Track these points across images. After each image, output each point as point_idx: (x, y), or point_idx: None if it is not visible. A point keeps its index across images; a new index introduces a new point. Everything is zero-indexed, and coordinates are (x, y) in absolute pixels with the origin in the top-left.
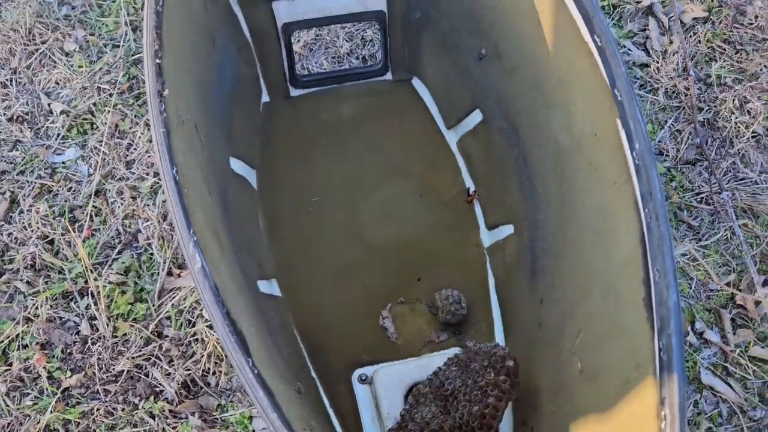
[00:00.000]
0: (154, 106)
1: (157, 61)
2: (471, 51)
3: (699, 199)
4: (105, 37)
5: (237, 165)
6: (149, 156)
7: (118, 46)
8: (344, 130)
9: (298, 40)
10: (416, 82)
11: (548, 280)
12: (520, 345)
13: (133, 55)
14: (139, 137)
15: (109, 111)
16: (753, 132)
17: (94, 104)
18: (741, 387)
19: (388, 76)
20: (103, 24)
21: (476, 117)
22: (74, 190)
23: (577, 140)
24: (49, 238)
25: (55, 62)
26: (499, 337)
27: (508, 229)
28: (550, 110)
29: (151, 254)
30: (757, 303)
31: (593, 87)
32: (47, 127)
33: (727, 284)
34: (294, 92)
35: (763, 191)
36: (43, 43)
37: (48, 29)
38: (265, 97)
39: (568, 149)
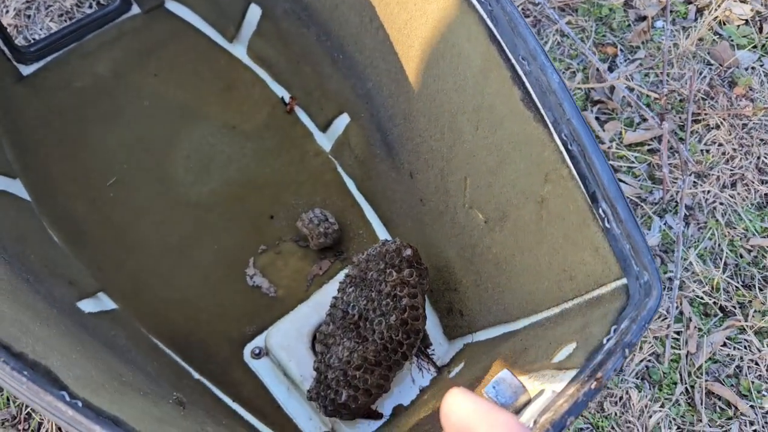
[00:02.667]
0: None
1: None
2: None
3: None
4: None
5: None
6: None
7: None
8: (111, 91)
9: (6, 11)
10: (171, 5)
11: (409, 147)
12: (411, 232)
13: None
14: None
15: None
16: None
17: None
18: (631, 177)
19: (135, 9)
20: None
21: (255, 12)
22: None
23: None
24: None
25: None
26: (384, 236)
27: (343, 120)
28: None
29: None
30: (612, 89)
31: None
32: None
33: (578, 87)
34: (26, 70)
35: None
36: None
37: None
38: None
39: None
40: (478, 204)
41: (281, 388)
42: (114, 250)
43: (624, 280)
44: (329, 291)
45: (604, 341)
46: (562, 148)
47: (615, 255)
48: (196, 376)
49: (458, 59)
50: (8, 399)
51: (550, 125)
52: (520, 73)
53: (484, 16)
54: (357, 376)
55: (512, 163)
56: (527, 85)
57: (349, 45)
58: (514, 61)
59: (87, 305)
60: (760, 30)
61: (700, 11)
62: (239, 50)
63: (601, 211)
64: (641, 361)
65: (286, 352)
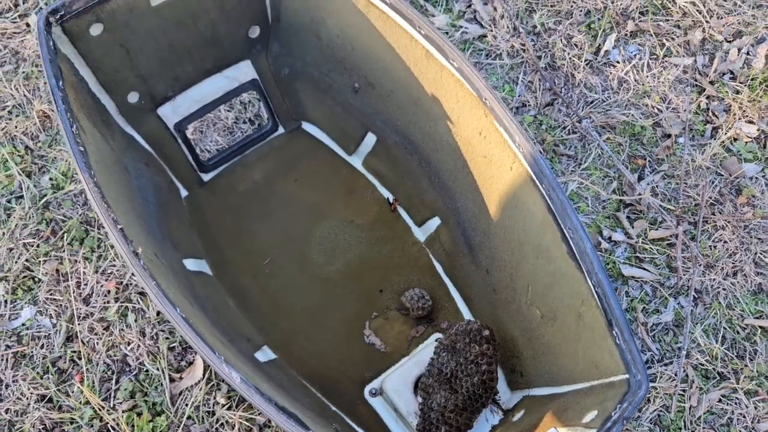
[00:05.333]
0: (134, 264)
1: (112, 215)
2: (345, 87)
3: (567, 132)
4: (5, 192)
5: (189, 263)
6: (101, 285)
7: (22, 197)
8: (263, 193)
9: (187, 128)
10: (307, 126)
11: (486, 252)
12: (485, 311)
13: (40, 200)
14: (83, 273)
15: (43, 261)
16: (585, 60)
17: (27, 260)
18: (653, 266)
19: (281, 130)
20: None
21: (371, 139)
22: (47, 345)
23: (467, 140)
24: (47, 398)
25: None
26: (465, 311)
27: (435, 222)
28: (434, 121)
29: (147, 371)
30: (640, 196)
31: (466, 98)
32: None
33: (614, 191)
34: (206, 177)
35: (610, 106)
36: None
37: None
38: (183, 192)
39: (461, 148)
40: (537, 304)
41: (391, 420)
42: (270, 313)
43: (627, 376)
44: (426, 352)
45: (613, 414)
46: (592, 289)
47: (622, 359)
48: (333, 408)
49: (526, 212)
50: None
51: (585, 273)
52: (567, 236)
53: (545, 195)
54: (452, 417)
55: (561, 286)
56: (571, 245)
57: (443, 174)
58: (563, 227)
59: (260, 356)
60: (764, 146)
61: (715, 129)
62: (356, 161)
63: (614, 332)
64: (654, 410)
65: (396, 393)
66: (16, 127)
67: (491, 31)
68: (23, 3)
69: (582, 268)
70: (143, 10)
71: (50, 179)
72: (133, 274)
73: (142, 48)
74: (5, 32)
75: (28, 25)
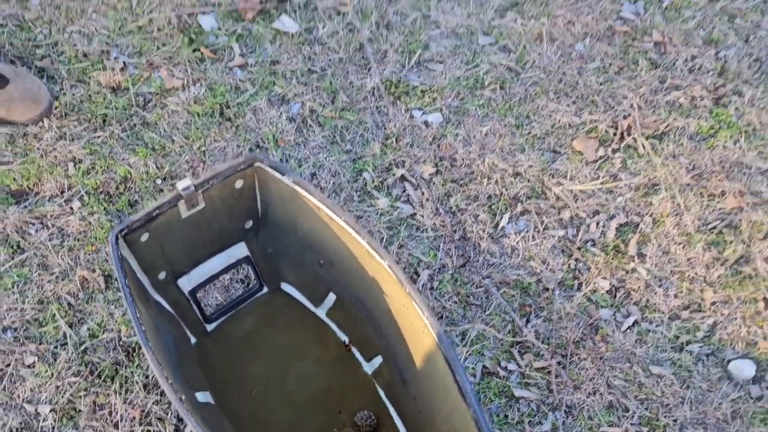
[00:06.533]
0: (179, 407)
1: (164, 374)
2: (313, 262)
3: (475, 287)
4: (52, 341)
5: (200, 396)
6: (128, 413)
7: (65, 344)
8: (253, 339)
9: (198, 292)
10: (285, 286)
11: (414, 385)
12: (416, 427)
13: (80, 346)
14: (114, 404)
15: (84, 395)
16: (487, 233)
17: (71, 395)
18: (536, 389)
19: (265, 290)
20: (44, 332)
21: (332, 297)
22: None
23: (397, 309)
24: None
25: (24, 377)
26: (401, 427)
27: (379, 359)
28: (375, 292)
29: None
30: (526, 336)
31: (393, 283)
32: (41, 426)
33: (508, 332)
34: (210, 327)
35: (506, 267)
36: (7, 366)
37: (5, 354)
38: (193, 339)
39: (393, 312)
40: (446, 424)
41: None
42: (257, 430)
43: None
44: None
45: None
46: (472, 416)
47: None
48: None
49: (434, 363)
50: None
51: (468, 405)
52: (458, 380)
53: (444, 353)
54: None
55: (456, 413)
56: (460, 385)
57: (384, 328)
58: (455, 374)
59: None
60: (614, 296)
61: (580, 284)
62: (321, 313)
63: None
64: None
65: None
66: (61, 288)
67: (420, 210)
68: (68, 190)
69: (466, 402)
70: (176, 221)
71: (88, 329)
72: (154, 402)
73: (172, 244)
74: (54, 213)
75: (71, 208)
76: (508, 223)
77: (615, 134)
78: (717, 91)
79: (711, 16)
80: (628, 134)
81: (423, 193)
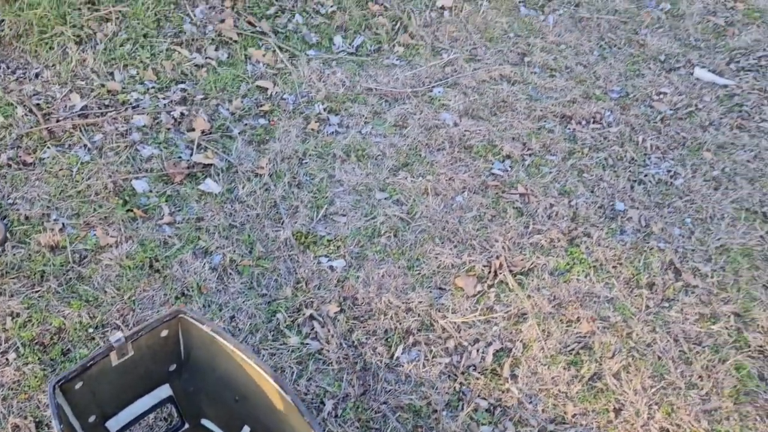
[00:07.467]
0: None
1: None
2: (229, 398)
3: (374, 412)
4: None
5: None
6: None
7: None
8: None
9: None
10: (205, 422)
11: None
12: None
13: None
14: None
15: None
16: (385, 363)
17: None
18: None
19: (186, 425)
20: None
21: (246, 430)
22: None
23: None
24: None
25: None
26: None
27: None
28: (283, 422)
29: None
30: None
31: (294, 413)
32: None
33: None
34: None
35: (401, 393)
36: None
37: None
38: None
39: None
40: None
41: None
42: None
43: None
44: None
45: None
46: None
47: None
48: None
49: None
50: None
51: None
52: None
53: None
54: None
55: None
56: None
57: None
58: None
59: None
60: (493, 414)
61: (464, 404)
62: None
63: None
64: None
65: None
66: None
67: (326, 346)
68: (5, 342)
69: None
70: (108, 368)
71: None
72: None
73: (102, 389)
74: None
75: (7, 359)
76: (402, 354)
77: (489, 272)
78: (570, 233)
79: (564, 171)
80: (500, 271)
81: (329, 330)
